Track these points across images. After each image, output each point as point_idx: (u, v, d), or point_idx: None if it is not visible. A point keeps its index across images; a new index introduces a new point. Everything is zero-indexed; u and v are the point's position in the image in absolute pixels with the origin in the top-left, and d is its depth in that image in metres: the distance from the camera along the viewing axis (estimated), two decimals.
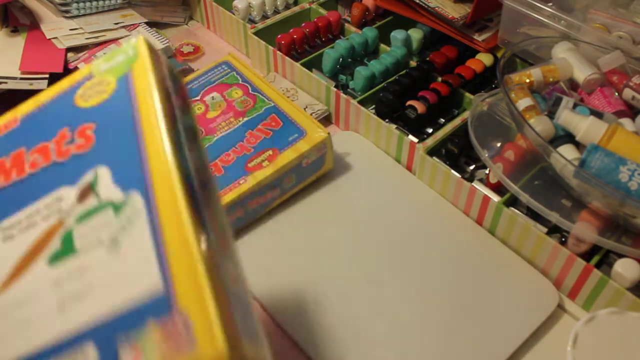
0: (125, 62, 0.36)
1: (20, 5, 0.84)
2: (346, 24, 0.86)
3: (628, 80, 0.61)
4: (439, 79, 0.74)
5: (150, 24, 0.88)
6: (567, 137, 0.57)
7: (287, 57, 0.78)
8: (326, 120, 0.77)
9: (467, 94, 0.74)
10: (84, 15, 0.85)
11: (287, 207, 0.65)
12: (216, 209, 0.36)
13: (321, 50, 0.79)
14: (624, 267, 0.52)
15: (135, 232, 0.31)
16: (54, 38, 0.79)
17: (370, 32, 0.79)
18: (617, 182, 0.50)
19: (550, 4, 0.69)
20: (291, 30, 0.81)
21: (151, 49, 0.36)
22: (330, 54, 0.76)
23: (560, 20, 0.67)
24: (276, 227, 0.63)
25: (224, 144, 0.64)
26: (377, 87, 0.74)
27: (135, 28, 0.86)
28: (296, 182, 0.64)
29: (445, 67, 0.78)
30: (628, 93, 0.61)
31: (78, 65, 0.77)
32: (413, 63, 0.78)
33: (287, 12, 0.88)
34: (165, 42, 0.83)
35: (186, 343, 0.27)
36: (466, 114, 0.69)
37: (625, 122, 0.58)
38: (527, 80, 0.62)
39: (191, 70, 0.83)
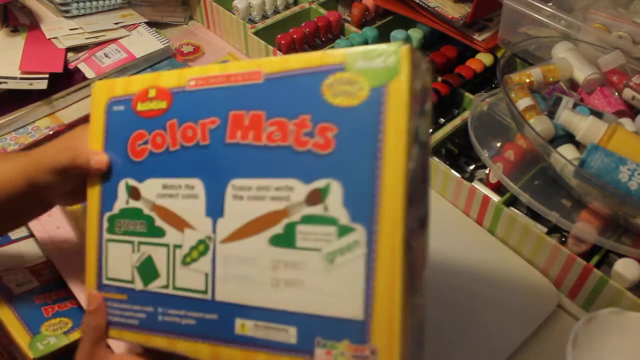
0: (383, 72, 0.34)
1: (20, 5, 0.84)
2: (346, 24, 0.86)
3: (628, 80, 0.61)
4: (439, 78, 0.74)
5: (150, 24, 0.88)
6: (567, 137, 0.57)
7: None
8: None
9: (467, 94, 0.74)
10: (84, 15, 0.85)
11: None
12: (425, 248, 0.39)
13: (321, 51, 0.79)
14: (624, 267, 0.52)
15: (352, 261, 0.34)
16: (54, 38, 0.79)
17: (370, 32, 0.79)
18: (617, 182, 0.50)
19: (550, 4, 0.69)
20: (291, 30, 0.81)
21: (413, 63, 0.34)
22: None
23: (560, 20, 0.67)
24: None
25: None
26: None
27: (135, 28, 0.86)
28: None
29: (445, 67, 0.78)
30: (628, 93, 0.61)
31: (78, 65, 0.77)
32: None
33: (287, 12, 0.88)
34: (165, 42, 0.83)
35: None
36: (466, 114, 0.69)
37: (625, 122, 0.58)
38: (527, 80, 0.62)
39: None
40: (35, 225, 0.64)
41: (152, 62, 0.83)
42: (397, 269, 0.33)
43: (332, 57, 0.36)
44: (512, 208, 0.61)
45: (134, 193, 0.44)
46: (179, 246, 0.41)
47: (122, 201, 0.44)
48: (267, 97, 0.39)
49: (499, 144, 0.63)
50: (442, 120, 0.73)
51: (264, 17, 0.90)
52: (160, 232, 0.42)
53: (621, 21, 0.69)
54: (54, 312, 0.62)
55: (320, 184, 0.36)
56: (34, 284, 0.65)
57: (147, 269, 0.43)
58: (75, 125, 0.73)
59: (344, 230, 0.35)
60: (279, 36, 0.80)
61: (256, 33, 0.83)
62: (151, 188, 0.43)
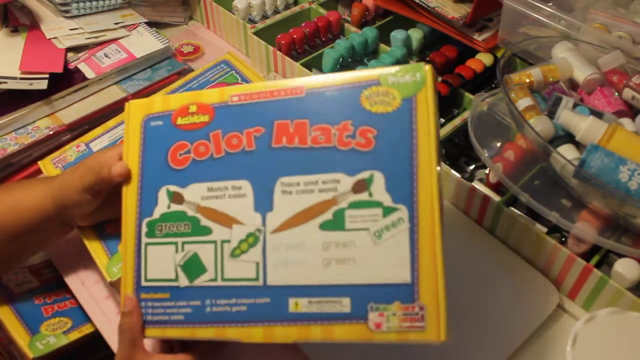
0: (412, 85, 0.42)
1: (20, 5, 0.84)
2: (346, 24, 0.86)
3: (628, 80, 0.60)
4: (439, 78, 0.74)
5: (150, 24, 0.88)
6: (567, 137, 0.56)
7: (287, 57, 0.78)
8: None
9: (467, 94, 0.74)
10: (84, 15, 0.85)
11: None
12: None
13: (321, 50, 0.79)
14: (624, 267, 0.52)
15: (397, 235, 0.40)
16: (54, 38, 0.79)
17: (370, 32, 0.79)
18: (617, 182, 0.50)
19: (550, 4, 0.69)
20: (291, 30, 0.81)
21: (434, 76, 0.42)
22: (330, 54, 0.76)
23: (560, 20, 0.67)
24: None
25: None
26: None
27: (135, 28, 0.86)
28: None
29: (445, 67, 0.78)
30: (628, 93, 0.61)
31: (78, 65, 0.77)
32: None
33: (287, 12, 0.88)
34: (165, 42, 0.83)
35: (419, 325, 0.39)
36: (466, 114, 0.69)
37: (625, 122, 0.58)
38: (527, 80, 0.62)
39: (191, 70, 0.83)
40: None
41: (152, 62, 0.83)
42: (437, 237, 0.39)
43: (367, 75, 0.43)
44: (512, 208, 0.61)
45: (176, 198, 0.47)
46: (227, 241, 0.44)
47: (163, 206, 0.47)
48: (310, 108, 0.44)
49: (499, 144, 0.63)
50: (442, 120, 0.73)
51: (264, 17, 0.90)
52: (206, 231, 0.45)
53: (621, 21, 0.69)
54: (53, 311, 0.62)
55: (364, 175, 0.42)
56: (33, 283, 0.65)
57: (193, 266, 0.45)
58: (76, 125, 0.73)
59: (388, 211, 0.41)
60: (279, 36, 0.80)
61: (256, 33, 0.83)
62: (195, 192, 0.46)
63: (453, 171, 0.63)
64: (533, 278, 0.58)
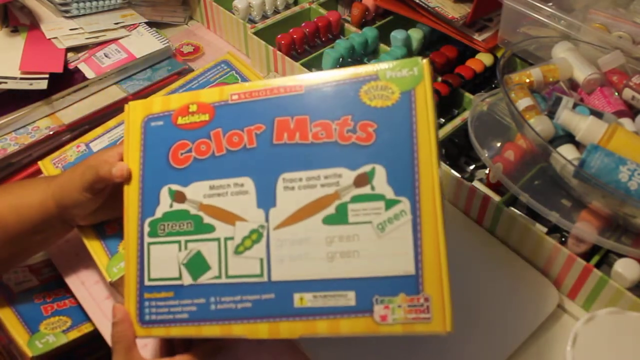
0: (410, 79, 0.43)
1: (20, 5, 0.84)
2: (346, 24, 0.86)
3: (628, 80, 0.60)
4: (439, 78, 0.74)
5: (150, 24, 0.88)
6: (567, 137, 0.56)
7: (287, 57, 0.78)
8: None
9: (467, 94, 0.74)
10: (84, 15, 0.85)
11: None
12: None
13: (321, 50, 0.79)
14: (624, 267, 0.52)
15: (400, 227, 0.41)
16: (54, 38, 0.79)
17: (370, 32, 0.79)
18: (617, 182, 0.50)
19: (550, 4, 0.69)
20: (291, 30, 0.81)
21: (431, 71, 0.43)
22: (330, 54, 0.76)
23: (560, 20, 0.67)
24: None
25: None
26: None
27: (135, 28, 0.86)
28: None
29: (445, 67, 0.78)
30: (628, 93, 0.61)
31: (78, 65, 0.77)
32: None
33: (287, 12, 0.88)
34: (165, 42, 0.83)
35: (424, 316, 0.39)
36: (466, 114, 0.69)
37: (625, 122, 0.58)
38: (527, 80, 0.62)
39: (191, 70, 0.83)
40: None
41: (152, 62, 0.83)
42: (440, 228, 0.40)
43: (366, 71, 0.44)
44: (512, 208, 0.61)
45: (178, 197, 0.47)
46: (231, 238, 0.45)
47: (165, 205, 0.47)
48: (310, 104, 0.45)
49: (499, 144, 0.63)
50: (442, 120, 0.73)
51: (264, 17, 0.90)
52: (209, 228, 0.45)
53: (621, 21, 0.69)
54: (53, 310, 0.62)
55: (366, 168, 0.42)
56: (33, 282, 0.65)
57: (196, 264, 0.45)
58: (76, 125, 0.73)
59: (390, 203, 0.41)
60: (279, 36, 0.80)
61: (256, 33, 0.83)
62: (197, 190, 0.47)
63: (453, 171, 0.63)
64: (533, 278, 0.58)
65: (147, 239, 0.47)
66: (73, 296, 0.61)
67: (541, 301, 0.56)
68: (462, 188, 0.62)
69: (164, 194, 0.47)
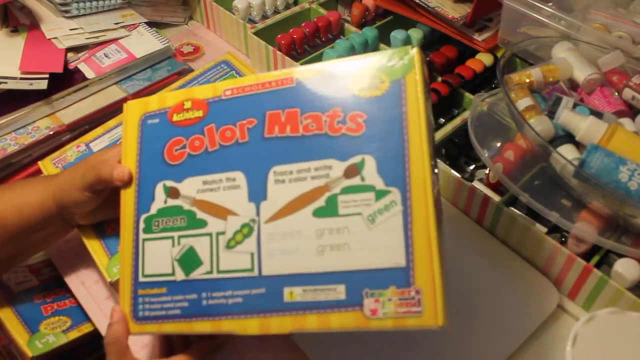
0: (400, 68, 0.42)
1: (20, 5, 0.84)
2: (346, 24, 0.86)
3: (628, 80, 0.60)
4: (439, 79, 0.74)
5: (150, 24, 0.88)
6: (567, 137, 0.56)
7: (287, 57, 0.78)
8: None
9: (467, 94, 0.74)
10: (84, 15, 0.85)
11: None
12: (439, 202, 0.43)
13: (321, 50, 0.79)
14: (624, 267, 0.52)
15: (390, 218, 0.40)
16: (54, 38, 0.79)
17: (370, 32, 0.79)
18: (617, 182, 0.50)
19: (550, 4, 0.69)
20: (291, 30, 0.81)
21: (422, 60, 0.42)
22: (330, 54, 0.76)
23: (560, 20, 0.67)
24: None
25: None
26: None
27: (135, 28, 0.86)
28: None
29: (445, 67, 0.78)
30: (628, 93, 0.61)
31: (78, 65, 0.77)
32: None
33: (287, 12, 0.88)
34: (165, 42, 0.83)
35: (415, 310, 0.38)
36: (466, 114, 0.69)
37: (625, 122, 0.58)
38: (527, 80, 0.62)
39: (191, 70, 0.83)
40: None
41: (152, 62, 0.83)
42: (431, 219, 0.39)
43: (356, 62, 0.43)
44: (512, 208, 0.61)
45: (172, 192, 0.47)
46: (222, 233, 0.44)
47: (159, 201, 0.47)
48: (300, 97, 0.44)
49: (499, 144, 0.63)
50: (442, 120, 0.73)
51: (264, 17, 0.90)
52: (201, 224, 0.45)
53: (621, 21, 0.69)
54: (53, 310, 0.62)
55: (355, 159, 0.41)
56: (33, 282, 0.65)
57: (189, 260, 0.45)
58: (76, 125, 0.73)
59: (380, 194, 0.40)
60: (279, 36, 0.80)
61: (256, 33, 0.83)
62: (191, 185, 0.47)
63: (453, 171, 0.63)
64: (533, 278, 0.58)
65: (142, 235, 0.47)
66: (73, 296, 0.61)
67: (541, 301, 0.56)
68: (462, 188, 0.62)
69: (159, 190, 0.48)
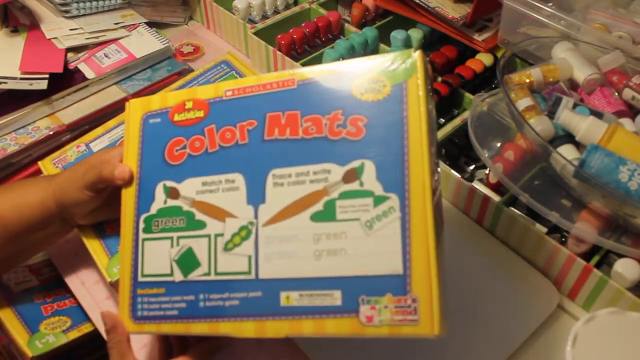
0: (402, 72, 0.41)
1: (20, 5, 0.84)
2: (346, 24, 0.86)
3: (628, 80, 0.60)
4: (439, 79, 0.74)
5: (150, 24, 0.88)
6: (567, 137, 0.56)
7: (287, 57, 0.78)
8: None
9: (467, 94, 0.74)
10: (84, 15, 0.85)
11: None
12: (440, 208, 0.43)
13: (321, 50, 0.79)
14: (624, 267, 0.52)
15: (388, 224, 0.39)
16: (54, 38, 0.79)
17: (370, 32, 0.79)
18: (617, 182, 0.50)
19: (550, 4, 0.69)
20: (291, 30, 0.81)
21: (425, 63, 0.41)
22: (330, 54, 0.76)
23: (560, 20, 0.67)
24: None
25: None
26: None
27: (135, 28, 0.86)
28: None
29: (445, 67, 0.78)
30: (628, 93, 0.61)
31: (78, 65, 0.77)
32: None
33: (287, 12, 0.88)
34: (165, 42, 0.83)
35: (411, 318, 0.37)
36: (466, 114, 0.69)
37: (625, 122, 0.58)
38: (527, 80, 0.62)
39: (191, 70, 0.83)
40: None
41: (152, 62, 0.83)
42: (430, 226, 0.38)
43: (358, 65, 0.43)
44: (512, 208, 0.61)
45: (172, 193, 0.47)
46: (220, 235, 0.44)
47: (159, 202, 0.47)
48: (301, 99, 0.44)
49: (499, 144, 0.63)
50: (442, 120, 0.73)
51: (264, 17, 0.90)
52: (200, 225, 0.46)
53: (621, 21, 0.69)
54: (53, 310, 0.62)
55: (355, 164, 0.41)
56: (33, 282, 0.65)
57: (187, 260, 0.45)
58: (76, 126, 0.73)
59: (379, 200, 0.40)
60: (279, 36, 0.80)
61: (256, 33, 0.83)
62: (190, 186, 0.47)
63: (453, 171, 0.63)
64: (533, 278, 0.58)
65: (141, 235, 0.47)
66: (73, 296, 0.61)
67: (541, 301, 0.56)
68: (462, 188, 0.62)
69: (159, 190, 0.48)
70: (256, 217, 0.43)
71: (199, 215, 0.46)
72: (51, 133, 0.71)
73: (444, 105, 0.73)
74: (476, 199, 0.61)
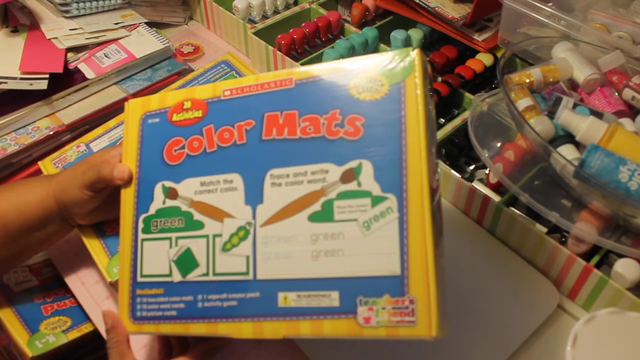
0: (400, 71, 0.41)
1: (20, 5, 0.84)
2: (346, 24, 0.86)
3: (628, 80, 0.60)
4: (439, 79, 0.74)
5: (150, 24, 0.88)
6: (567, 137, 0.56)
7: (287, 57, 0.78)
8: None
9: (467, 94, 0.74)
10: (84, 15, 0.85)
11: None
12: (440, 210, 0.43)
13: (321, 50, 0.79)
14: (624, 267, 0.52)
15: (386, 225, 0.39)
16: (54, 38, 0.79)
17: (370, 32, 0.79)
18: (617, 182, 0.50)
19: (550, 4, 0.69)
20: (291, 30, 0.81)
21: (423, 62, 0.41)
22: (330, 54, 0.76)
23: (560, 20, 0.67)
24: None
25: None
26: None
27: (135, 28, 0.86)
28: None
29: (445, 67, 0.78)
30: (628, 93, 0.61)
31: (78, 65, 0.77)
32: None
33: (287, 12, 0.88)
34: (165, 42, 0.83)
35: (409, 319, 0.37)
36: (466, 114, 0.69)
37: (625, 122, 0.58)
38: (527, 80, 0.62)
39: (191, 70, 0.83)
40: None
41: (152, 62, 0.83)
42: (428, 227, 0.38)
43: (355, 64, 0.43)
44: (512, 208, 0.61)
45: (170, 193, 0.47)
46: (219, 235, 0.44)
47: (158, 202, 0.47)
48: (299, 99, 0.44)
49: (499, 144, 0.63)
50: (442, 120, 0.73)
51: (264, 17, 0.90)
52: (199, 225, 0.45)
53: (621, 21, 0.69)
54: (53, 310, 0.62)
55: (353, 164, 0.41)
56: (33, 282, 0.65)
57: (186, 261, 0.45)
58: (76, 126, 0.73)
59: (377, 200, 0.39)
60: (279, 36, 0.80)
61: (256, 33, 0.83)
62: (189, 186, 0.47)
63: (453, 171, 0.63)
64: (533, 278, 0.58)
65: (140, 236, 0.47)
66: (73, 296, 0.61)
67: (541, 301, 0.56)
68: (462, 188, 0.62)
69: (158, 190, 0.48)
70: (254, 217, 0.43)
71: (198, 216, 0.46)
72: (51, 133, 0.71)
73: (444, 105, 0.73)
74: (476, 199, 0.61)
